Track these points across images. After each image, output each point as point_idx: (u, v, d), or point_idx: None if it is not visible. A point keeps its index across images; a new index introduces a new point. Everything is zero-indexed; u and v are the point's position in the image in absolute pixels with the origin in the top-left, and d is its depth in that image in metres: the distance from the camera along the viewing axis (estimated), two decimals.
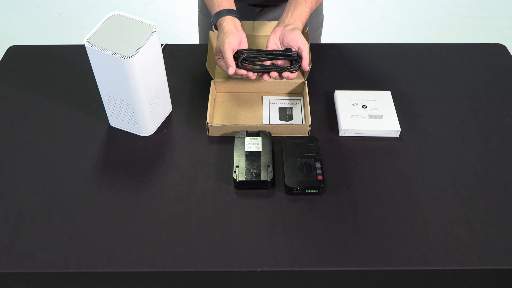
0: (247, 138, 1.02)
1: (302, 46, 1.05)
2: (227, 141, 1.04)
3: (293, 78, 1.07)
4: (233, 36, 1.06)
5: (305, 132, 1.05)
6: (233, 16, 1.11)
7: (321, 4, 1.40)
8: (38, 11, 2.96)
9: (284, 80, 1.12)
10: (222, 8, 1.11)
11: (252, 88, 1.16)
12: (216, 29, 1.13)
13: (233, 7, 1.13)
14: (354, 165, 1.00)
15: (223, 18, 1.10)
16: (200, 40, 1.48)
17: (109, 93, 1.01)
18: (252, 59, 1.07)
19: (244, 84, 1.15)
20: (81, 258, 0.85)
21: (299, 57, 1.06)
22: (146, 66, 0.96)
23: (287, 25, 1.08)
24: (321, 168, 0.96)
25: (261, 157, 0.98)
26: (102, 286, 0.87)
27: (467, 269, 0.84)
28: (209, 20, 1.35)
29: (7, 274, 0.84)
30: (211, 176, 0.98)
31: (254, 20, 1.32)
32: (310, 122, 1.04)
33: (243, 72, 1.05)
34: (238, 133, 1.03)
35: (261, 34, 1.27)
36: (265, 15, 1.33)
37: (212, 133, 1.05)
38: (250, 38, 1.25)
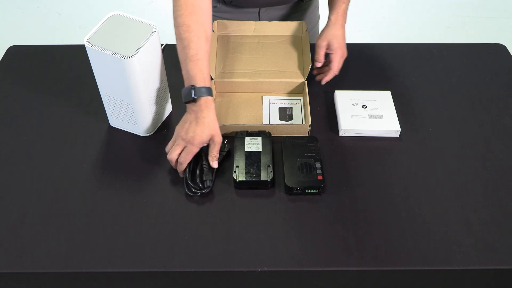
0: (247, 138, 1.02)
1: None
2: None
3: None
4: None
5: (305, 132, 1.05)
6: (211, 96, 0.97)
7: (317, 1, 1.40)
8: (38, 11, 2.96)
9: (284, 80, 1.14)
10: (207, 85, 0.97)
11: (252, 88, 1.16)
12: (194, 98, 0.95)
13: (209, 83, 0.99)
14: (354, 165, 1.00)
15: (205, 98, 0.95)
16: None
17: (109, 93, 1.01)
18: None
19: (244, 84, 1.15)
20: (81, 258, 0.85)
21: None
22: (146, 66, 0.96)
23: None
24: (321, 168, 0.96)
25: (261, 157, 0.98)
26: (102, 286, 0.87)
27: (467, 269, 0.84)
28: None
29: (7, 274, 0.84)
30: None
31: (258, 15, 1.32)
32: (310, 122, 1.04)
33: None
34: (238, 133, 1.03)
35: (261, 34, 1.27)
36: (267, 14, 1.33)
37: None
38: (249, 38, 1.26)
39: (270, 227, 0.89)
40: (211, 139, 0.96)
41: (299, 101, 1.15)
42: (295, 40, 1.26)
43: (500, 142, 1.05)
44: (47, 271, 0.84)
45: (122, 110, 1.02)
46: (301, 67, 1.17)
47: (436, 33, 2.78)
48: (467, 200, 0.94)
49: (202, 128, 0.94)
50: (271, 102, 1.14)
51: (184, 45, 0.97)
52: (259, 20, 1.33)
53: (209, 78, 0.98)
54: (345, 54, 1.15)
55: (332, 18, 1.15)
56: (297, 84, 1.15)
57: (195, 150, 0.95)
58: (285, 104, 1.14)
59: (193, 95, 0.94)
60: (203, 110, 0.95)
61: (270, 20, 1.32)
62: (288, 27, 1.27)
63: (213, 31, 1.20)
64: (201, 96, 0.94)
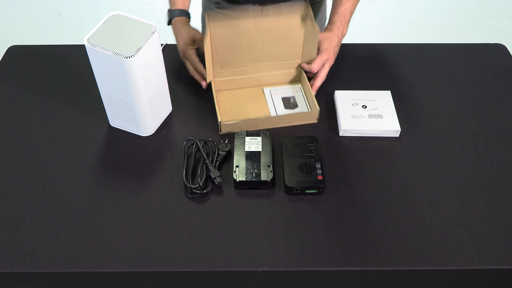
0: (247, 138, 1.02)
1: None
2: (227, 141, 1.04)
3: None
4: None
5: (314, 118, 1.08)
6: (185, 16, 1.19)
7: (325, 4, 1.40)
8: (38, 11, 2.96)
9: (281, 71, 1.17)
10: (178, 7, 1.19)
11: (251, 83, 1.17)
12: (170, 20, 1.21)
13: (186, 7, 1.21)
14: (354, 165, 1.00)
15: (177, 18, 1.18)
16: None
17: (109, 93, 1.01)
18: None
19: (243, 79, 1.16)
20: (81, 258, 0.85)
21: None
22: (146, 66, 0.96)
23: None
24: (321, 168, 0.96)
25: (261, 157, 0.98)
26: (102, 286, 0.87)
27: (467, 269, 0.84)
28: None
29: (7, 274, 0.84)
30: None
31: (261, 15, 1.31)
32: (318, 108, 1.07)
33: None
34: (238, 133, 1.03)
35: (260, 25, 1.18)
36: (268, 12, 1.32)
37: (224, 130, 1.06)
38: (247, 33, 1.20)
39: (270, 227, 0.89)
40: (194, 41, 1.13)
41: (298, 89, 1.17)
42: (297, 26, 1.17)
43: (500, 142, 1.05)
44: (47, 271, 0.84)
45: (122, 110, 1.02)
46: (298, 55, 1.17)
47: (436, 33, 2.78)
48: (467, 200, 0.94)
49: (181, 38, 1.13)
50: (273, 94, 1.16)
51: None
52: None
53: (185, 2, 1.18)
54: (331, 60, 1.14)
55: (328, 26, 1.18)
56: (294, 74, 1.17)
57: (191, 53, 1.13)
58: (286, 93, 1.15)
59: (168, 18, 1.18)
60: (177, 26, 1.16)
61: None
62: (290, 11, 1.19)
63: (205, 27, 1.14)
64: (173, 17, 1.17)
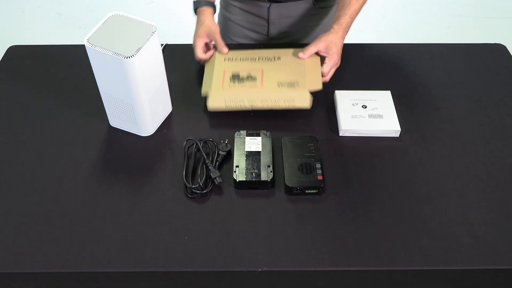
0: (247, 138, 1.02)
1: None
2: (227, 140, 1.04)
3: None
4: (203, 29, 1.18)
5: (307, 102, 1.07)
6: (209, 6, 1.22)
7: (333, 9, 1.39)
8: (38, 11, 2.96)
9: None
10: None
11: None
12: (195, 9, 1.24)
13: None
14: (354, 165, 1.00)
15: (201, 8, 1.22)
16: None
17: (109, 93, 1.01)
18: None
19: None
20: (81, 258, 0.85)
21: None
22: (146, 66, 0.96)
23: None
24: (321, 168, 0.96)
25: (261, 157, 0.98)
26: (102, 286, 0.87)
27: (467, 269, 0.84)
28: (229, 14, 1.38)
29: (7, 274, 0.84)
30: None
31: (268, 11, 1.31)
32: (311, 96, 1.07)
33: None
34: (238, 133, 1.03)
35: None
36: (278, 11, 1.32)
37: (211, 105, 1.08)
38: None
39: (270, 227, 0.89)
40: (211, 37, 1.17)
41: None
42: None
43: (500, 142, 1.05)
44: (47, 271, 0.84)
45: (122, 110, 1.02)
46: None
47: (436, 33, 2.78)
48: (467, 200, 0.94)
49: (198, 28, 1.18)
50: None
51: None
52: (268, 16, 1.32)
53: None
54: (338, 63, 1.14)
55: (336, 27, 1.15)
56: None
57: (198, 45, 1.16)
58: None
59: (194, 7, 1.22)
60: (200, 16, 1.20)
61: (280, 18, 1.32)
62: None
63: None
64: (198, 7, 1.21)
